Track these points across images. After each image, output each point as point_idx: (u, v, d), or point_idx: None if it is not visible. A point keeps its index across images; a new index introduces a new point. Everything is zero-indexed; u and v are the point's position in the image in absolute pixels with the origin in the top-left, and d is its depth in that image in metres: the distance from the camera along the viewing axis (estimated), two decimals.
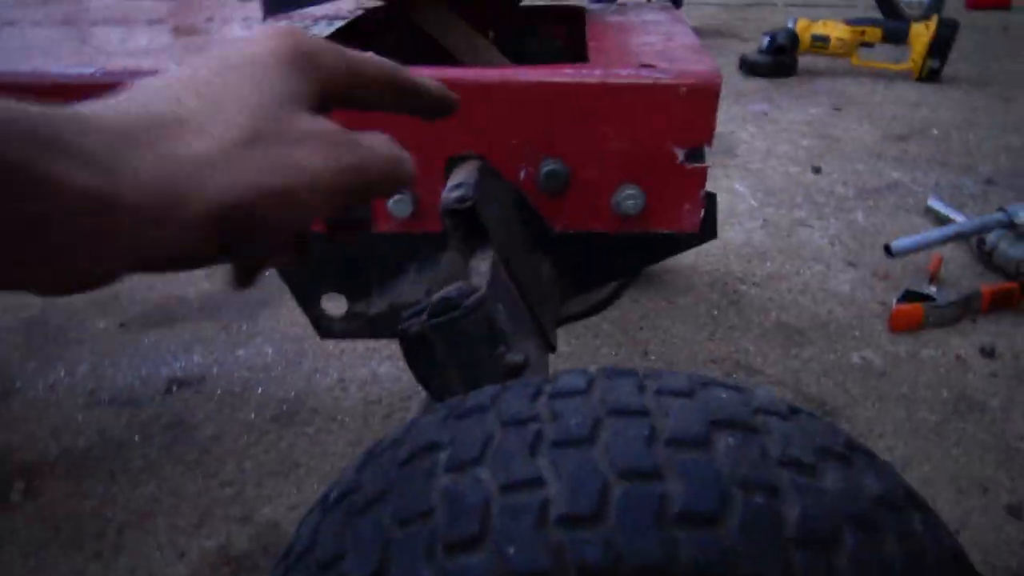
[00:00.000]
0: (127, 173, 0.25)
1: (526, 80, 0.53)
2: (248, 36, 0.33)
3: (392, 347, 1.00)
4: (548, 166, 0.54)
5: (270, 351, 1.03)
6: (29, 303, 1.13)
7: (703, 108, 0.53)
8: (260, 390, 0.94)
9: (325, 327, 0.61)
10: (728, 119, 1.95)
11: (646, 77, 0.52)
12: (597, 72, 0.53)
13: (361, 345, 1.02)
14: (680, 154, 0.54)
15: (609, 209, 0.56)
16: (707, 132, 0.54)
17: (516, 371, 0.44)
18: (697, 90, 0.52)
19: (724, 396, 0.33)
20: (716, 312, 1.10)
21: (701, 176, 0.55)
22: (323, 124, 0.30)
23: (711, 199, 0.57)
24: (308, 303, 0.60)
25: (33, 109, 0.23)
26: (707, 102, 0.53)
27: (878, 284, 1.17)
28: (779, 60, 2.29)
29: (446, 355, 0.44)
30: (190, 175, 0.27)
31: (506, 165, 0.55)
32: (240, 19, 0.73)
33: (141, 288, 1.18)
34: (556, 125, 0.53)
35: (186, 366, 0.99)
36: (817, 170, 1.60)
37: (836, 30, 2.28)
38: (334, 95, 0.32)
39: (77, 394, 0.94)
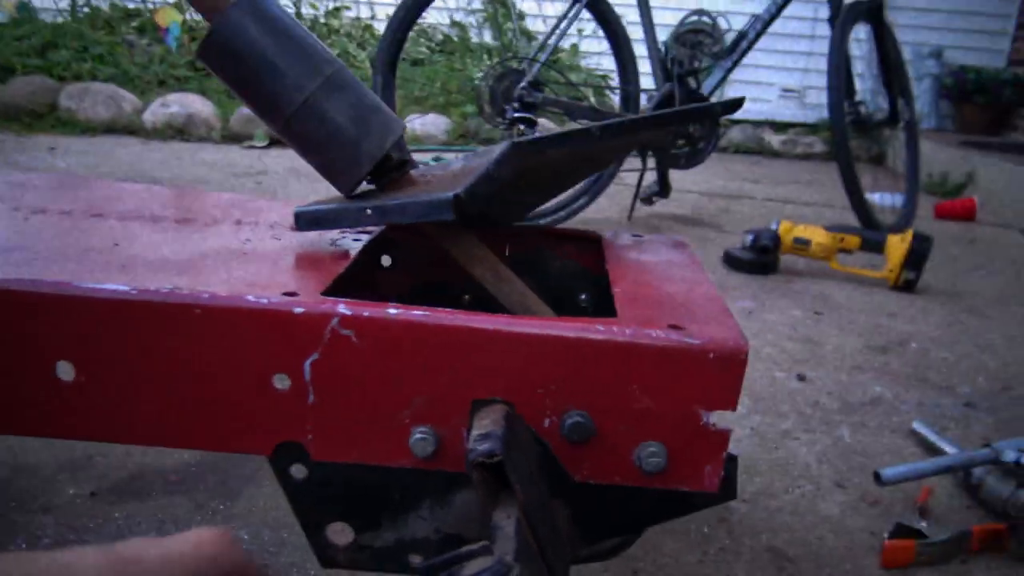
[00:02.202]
0: None
1: (556, 334, 0.54)
2: (176, 547, 0.37)
3: None
4: (573, 418, 0.54)
5: (246, 536, 0.98)
6: None
7: (730, 374, 0.54)
8: None
9: (329, 556, 0.59)
10: None
11: (676, 341, 0.53)
12: (628, 332, 0.54)
13: None
14: (704, 417, 0.55)
15: (630, 463, 0.56)
16: (733, 397, 0.54)
17: None
18: (725, 357, 0.53)
19: None
20: (706, 530, 1.08)
21: (724, 439, 0.55)
22: None
23: (732, 461, 0.57)
24: (313, 530, 0.58)
25: None
26: (734, 368, 0.54)
27: (867, 509, 1.16)
28: (761, 259, 2.38)
29: None
30: None
31: (531, 413, 0.55)
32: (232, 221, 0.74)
33: (118, 453, 1.15)
34: (584, 379, 0.54)
35: None
36: (802, 378, 1.62)
37: (817, 235, 2.38)
38: None
39: None
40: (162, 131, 4.13)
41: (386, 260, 0.83)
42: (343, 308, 0.53)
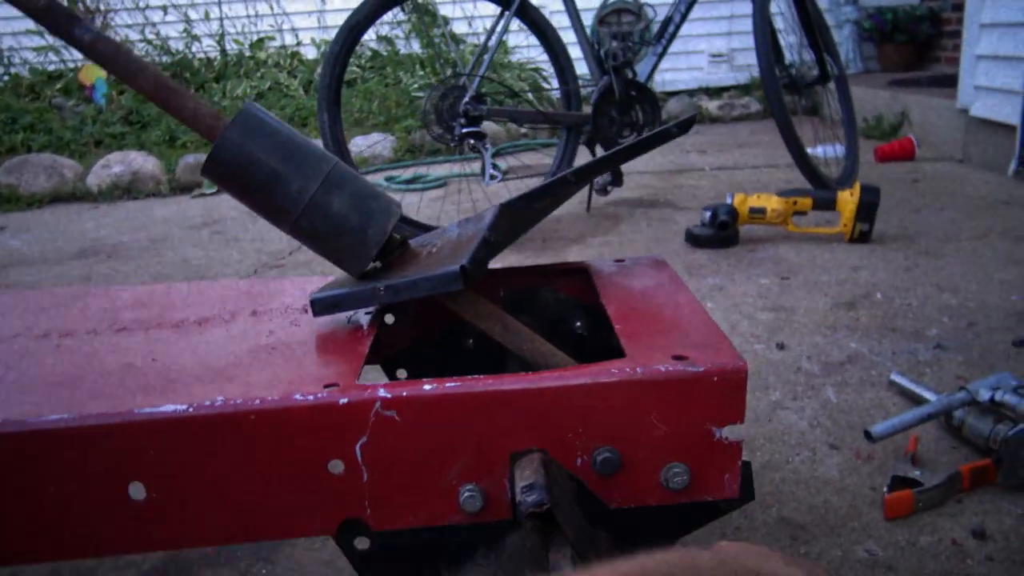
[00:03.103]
0: None
1: (577, 383, 0.59)
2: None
3: None
4: (602, 454, 0.60)
5: None
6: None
7: (734, 392, 0.60)
8: None
9: None
10: None
11: (682, 371, 0.59)
12: (639, 370, 0.60)
13: None
14: (717, 433, 0.61)
15: (658, 485, 0.62)
16: (739, 411, 0.61)
17: None
18: (727, 378, 0.60)
19: None
20: None
21: (737, 449, 0.61)
22: None
23: (747, 466, 0.63)
24: None
25: None
26: (737, 386, 0.60)
27: (862, 466, 1.24)
28: (721, 233, 2.46)
29: None
30: None
31: (564, 456, 0.60)
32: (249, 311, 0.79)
33: None
34: (606, 417, 0.60)
35: None
36: (781, 346, 1.70)
37: (771, 202, 2.47)
38: None
39: None
40: (108, 192, 4.10)
41: (389, 318, 0.88)
42: (383, 392, 0.58)
